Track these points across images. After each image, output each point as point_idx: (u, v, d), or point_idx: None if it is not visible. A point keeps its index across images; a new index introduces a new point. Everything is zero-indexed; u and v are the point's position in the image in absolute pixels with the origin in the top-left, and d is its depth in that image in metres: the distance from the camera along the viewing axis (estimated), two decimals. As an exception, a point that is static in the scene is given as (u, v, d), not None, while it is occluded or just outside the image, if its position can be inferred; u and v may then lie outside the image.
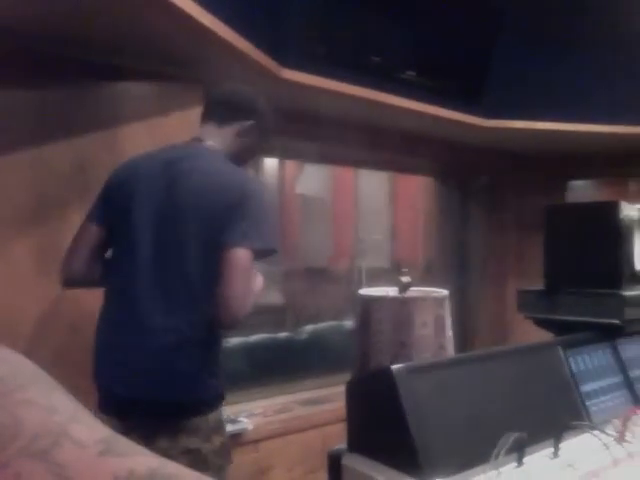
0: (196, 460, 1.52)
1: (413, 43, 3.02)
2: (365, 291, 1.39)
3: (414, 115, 3.09)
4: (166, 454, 1.17)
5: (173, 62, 2.23)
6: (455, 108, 3.13)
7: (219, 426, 1.62)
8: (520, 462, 0.88)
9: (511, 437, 0.85)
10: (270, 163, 4.43)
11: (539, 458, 0.92)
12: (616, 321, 1.19)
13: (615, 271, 1.24)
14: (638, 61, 3.37)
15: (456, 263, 4.52)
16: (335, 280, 4.40)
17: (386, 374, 0.84)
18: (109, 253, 1.67)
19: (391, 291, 1.36)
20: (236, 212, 1.54)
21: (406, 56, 3.01)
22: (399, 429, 0.83)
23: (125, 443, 0.40)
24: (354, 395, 0.92)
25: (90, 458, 0.37)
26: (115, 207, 1.62)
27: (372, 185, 5.47)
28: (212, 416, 1.59)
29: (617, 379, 1.21)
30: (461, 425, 0.90)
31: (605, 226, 1.26)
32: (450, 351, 1.26)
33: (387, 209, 5.63)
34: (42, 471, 0.35)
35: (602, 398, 1.15)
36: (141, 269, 1.56)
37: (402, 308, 1.22)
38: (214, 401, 1.61)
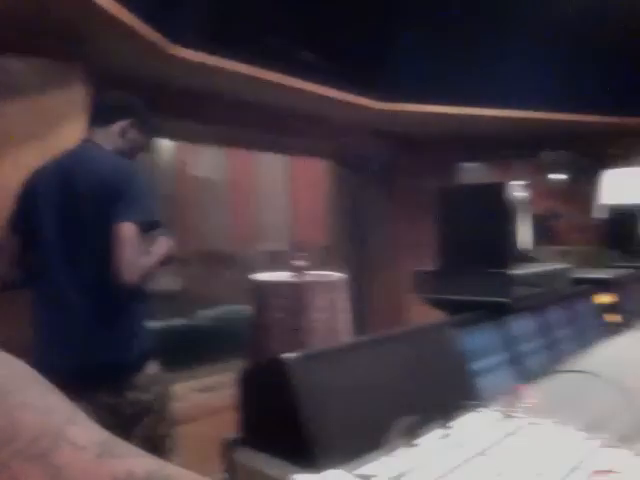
0: (141, 409, 1.86)
1: (310, 24, 2.99)
2: (259, 276, 1.35)
3: (310, 97, 3.07)
4: (114, 409, 1.74)
5: (55, 36, 2.08)
6: (350, 91, 3.14)
7: (153, 379, 1.94)
8: (412, 445, 0.88)
9: (403, 420, 0.85)
10: (167, 145, 4.27)
11: (431, 439, 0.93)
12: (504, 299, 1.22)
13: (502, 251, 1.27)
14: (527, 47, 3.51)
15: (355, 246, 4.58)
16: (235, 264, 4.34)
17: (278, 364, 0.81)
18: (30, 256, 1.95)
19: (286, 275, 1.33)
20: (118, 194, 1.84)
21: (303, 37, 2.98)
22: (292, 420, 0.80)
23: (123, 445, 0.40)
24: (246, 386, 0.89)
25: (88, 460, 0.37)
26: (26, 215, 1.93)
27: (271, 168, 5.42)
28: (144, 371, 1.90)
29: (505, 356, 1.24)
30: (356, 411, 0.89)
31: (492, 207, 1.29)
32: (347, 335, 1.25)
33: (286, 192, 5.60)
34: (40, 473, 0.35)
35: (491, 375, 1.18)
36: (55, 256, 1.86)
37: (296, 293, 1.19)
38: (141, 358, 1.92)
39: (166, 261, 1.98)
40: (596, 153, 4.48)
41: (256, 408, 0.87)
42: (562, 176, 6.50)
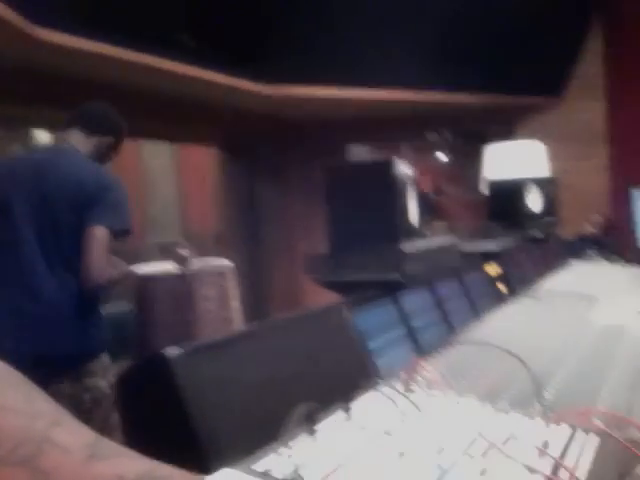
0: (98, 395, 1.99)
1: (189, 6, 2.86)
2: (140, 269, 1.27)
3: (192, 82, 2.96)
4: (74, 397, 1.84)
5: None
6: (231, 74, 3.05)
7: (109, 366, 2.11)
8: (312, 432, 0.85)
9: (301, 408, 0.81)
10: (45, 136, 4.01)
11: (332, 424, 0.89)
12: (397, 276, 1.21)
13: (392, 228, 1.26)
14: (412, 29, 3.56)
15: (247, 233, 4.51)
16: (122, 258, 4.14)
17: (160, 360, 0.75)
18: None
19: (170, 267, 1.25)
20: (97, 199, 1.97)
21: (181, 20, 2.84)
22: (180, 421, 0.74)
23: (111, 446, 0.39)
24: (126, 387, 0.81)
25: (76, 464, 0.36)
26: None
27: (158, 157, 5.23)
28: (101, 359, 2.07)
29: (402, 332, 1.23)
30: (251, 404, 0.84)
31: (381, 183, 1.27)
32: (238, 324, 1.19)
33: (175, 181, 5.42)
34: (26, 479, 0.34)
35: (389, 352, 1.16)
36: (26, 250, 1.95)
37: (181, 284, 1.12)
38: (99, 346, 2.10)
39: (120, 281, 2.14)
40: (478, 131, 4.66)
41: (139, 411, 0.80)
42: (446, 155, 6.74)
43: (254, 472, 0.75)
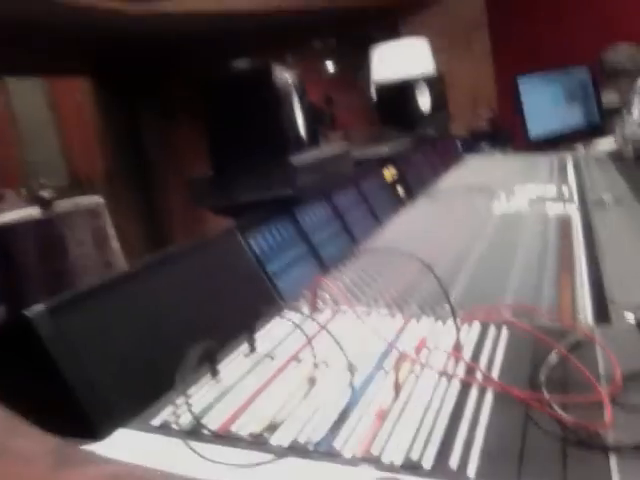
0: None
1: None
2: (-1, 219, 1.12)
3: (48, 4, 2.65)
4: None
5: None
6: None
7: None
8: (214, 372, 0.78)
9: (197, 349, 0.73)
10: None
11: (235, 360, 0.83)
12: (289, 192, 1.13)
13: (279, 140, 1.17)
14: None
15: (136, 166, 4.27)
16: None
17: (21, 323, 0.64)
18: None
19: (32, 211, 1.11)
20: None
21: None
22: (56, 389, 0.64)
23: (78, 451, 0.38)
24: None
25: (41, 473, 0.33)
26: None
27: (27, 96, 4.79)
28: None
29: (301, 250, 1.17)
30: (141, 354, 0.75)
31: (260, 93, 1.16)
32: (121, 266, 1.08)
33: (53, 123, 5.02)
34: None
35: (291, 273, 1.10)
36: None
37: (48, 229, 0.99)
38: None
39: None
40: (364, 35, 4.54)
41: (12, 382, 0.69)
42: (334, 63, 6.60)
43: (152, 428, 0.67)
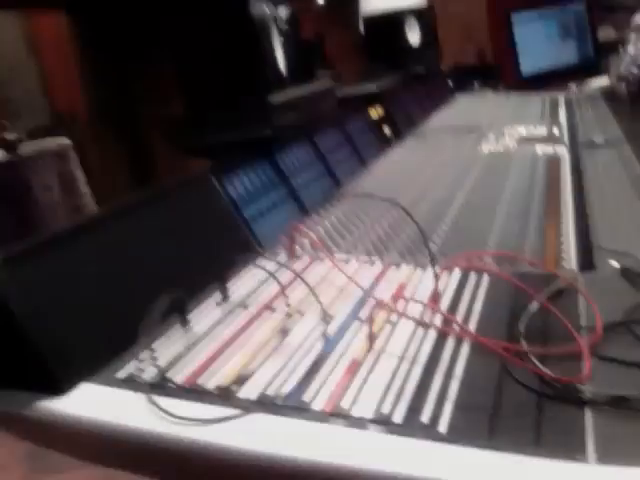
0: None
1: None
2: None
3: None
4: None
5: None
6: None
7: None
8: (185, 323, 0.75)
9: (163, 299, 0.70)
10: None
11: (207, 309, 0.80)
12: (267, 131, 1.08)
13: (256, 77, 1.11)
14: None
15: (121, 105, 4.14)
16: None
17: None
18: None
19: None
20: None
21: None
22: (15, 342, 0.61)
23: (53, 456, 0.39)
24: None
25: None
26: None
27: (3, 33, 4.62)
28: None
29: (281, 194, 1.13)
30: (107, 306, 0.72)
31: (235, 24, 1.09)
32: (90, 211, 1.04)
33: (32, 60, 4.85)
34: None
35: (270, 219, 1.06)
36: None
37: (10, 174, 0.94)
38: None
39: None
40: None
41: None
42: (324, -3, 6.36)
43: (116, 382, 0.65)
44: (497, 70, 3.80)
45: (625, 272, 0.79)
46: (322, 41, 5.11)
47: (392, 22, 2.20)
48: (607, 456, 0.48)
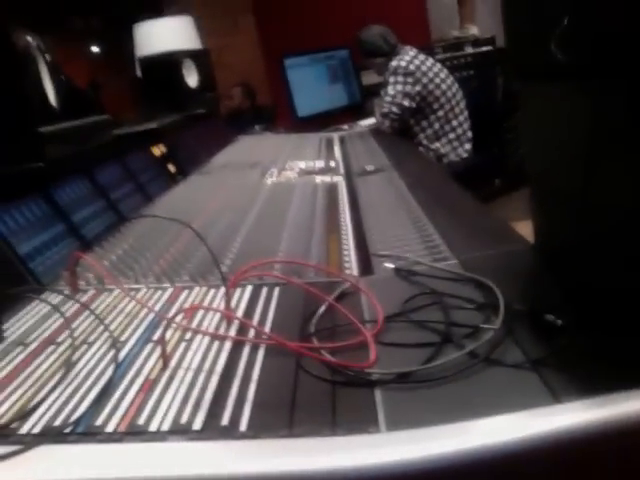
0: None
1: None
2: None
3: None
4: None
5: None
6: None
7: None
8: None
9: None
10: None
11: (-22, 351, 0.72)
12: (37, 163, 1.01)
13: (26, 106, 1.04)
14: None
15: None
16: None
17: None
18: None
19: None
20: None
21: None
22: None
23: None
24: None
25: None
26: None
27: None
28: None
29: (60, 229, 1.06)
30: None
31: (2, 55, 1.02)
32: None
33: None
34: None
35: (48, 254, 0.99)
36: None
37: None
38: None
39: None
40: (128, 14, 4.32)
41: None
42: (99, 45, 6.22)
43: None
44: (273, 112, 3.99)
45: (398, 272, 0.86)
46: (97, 90, 4.96)
47: (169, 64, 2.20)
48: (396, 424, 0.51)
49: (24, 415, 0.57)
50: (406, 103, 2.81)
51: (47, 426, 0.55)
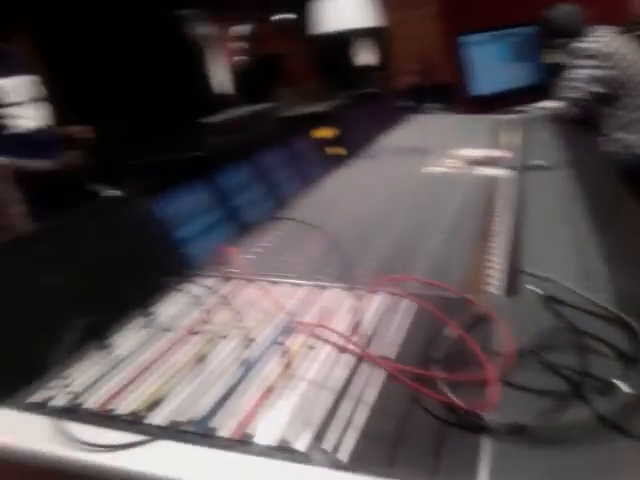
0: None
1: None
2: None
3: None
4: None
5: None
6: None
7: None
8: (103, 346, 0.74)
9: (77, 324, 0.70)
10: None
11: (131, 332, 0.79)
12: (203, 152, 1.08)
13: (192, 98, 1.11)
14: None
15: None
16: None
17: None
18: None
19: None
20: None
21: None
22: None
23: None
24: None
25: None
26: None
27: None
28: None
29: (216, 215, 1.13)
30: (26, 330, 0.71)
31: (171, 44, 1.09)
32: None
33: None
34: None
35: (204, 240, 1.06)
36: None
37: None
38: None
39: None
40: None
41: None
42: (286, 15, 6.41)
43: (28, 407, 0.64)
44: (451, 90, 3.87)
45: (547, 300, 0.80)
46: (280, 60, 5.13)
47: (344, 42, 2.22)
48: (498, 482, 0.49)
49: (154, 405, 0.62)
50: (593, 89, 2.58)
51: (171, 420, 0.60)
